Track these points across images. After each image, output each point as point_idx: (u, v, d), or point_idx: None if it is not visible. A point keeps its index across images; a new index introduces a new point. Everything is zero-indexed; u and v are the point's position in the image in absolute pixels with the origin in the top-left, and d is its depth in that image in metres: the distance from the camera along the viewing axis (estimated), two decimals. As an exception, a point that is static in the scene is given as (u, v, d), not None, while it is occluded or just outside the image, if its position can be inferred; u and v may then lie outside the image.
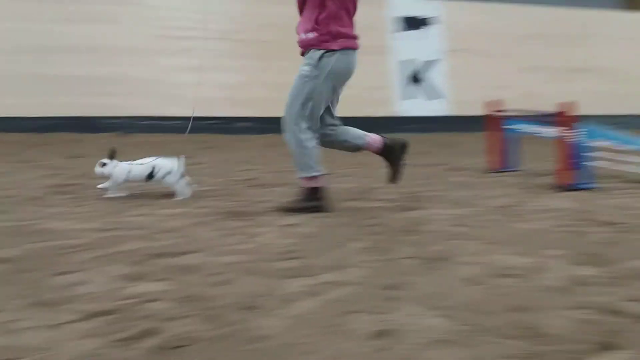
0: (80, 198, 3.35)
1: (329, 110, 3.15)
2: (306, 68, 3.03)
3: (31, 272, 2.02)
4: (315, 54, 3.01)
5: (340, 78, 3.07)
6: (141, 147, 6.10)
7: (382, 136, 3.28)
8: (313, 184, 3.06)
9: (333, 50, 3.00)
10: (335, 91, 3.11)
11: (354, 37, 3.10)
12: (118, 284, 1.90)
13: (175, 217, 2.89)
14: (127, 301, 1.74)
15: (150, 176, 3.36)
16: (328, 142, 3.21)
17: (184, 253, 2.26)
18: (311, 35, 3.03)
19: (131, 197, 3.41)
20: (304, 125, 3.02)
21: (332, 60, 2.99)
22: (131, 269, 2.05)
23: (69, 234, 2.53)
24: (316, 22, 3.02)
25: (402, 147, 3.28)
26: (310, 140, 3.05)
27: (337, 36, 3.01)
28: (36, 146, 5.91)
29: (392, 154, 3.26)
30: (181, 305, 1.72)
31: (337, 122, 3.21)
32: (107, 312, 1.65)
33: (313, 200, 3.07)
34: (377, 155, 3.28)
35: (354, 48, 3.09)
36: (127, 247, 2.33)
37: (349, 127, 3.24)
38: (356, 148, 3.26)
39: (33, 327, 1.56)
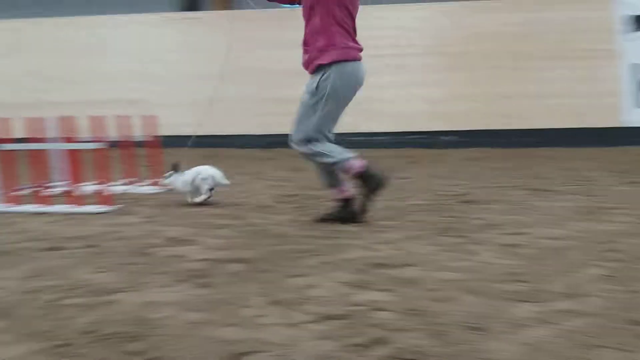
0: (303, 207, 3.63)
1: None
2: (306, 96, 3.01)
3: (268, 273, 2.24)
4: (313, 80, 2.99)
5: (342, 95, 2.99)
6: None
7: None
8: (356, 169, 2.99)
9: (326, 68, 2.93)
10: (342, 107, 3.05)
11: (347, 47, 2.96)
12: (345, 290, 2.00)
13: (389, 230, 2.95)
14: (356, 308, 1.81)
15: (194, 181, 3.71)
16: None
17: (403, 265, 2.28)
18: (305, 57, 3.03)
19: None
20: (316, 145, 3.01)
21: (329, 82, 2.92)
22: (355, 276, 2.15)
23: (297, 240, 2.76)
24: (305, 42, 3.03)
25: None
26: (320, 146, 3.00)
27: (323, 49, 2.93)
28: (262, 160, 6.60)
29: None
30: (406, 317, 1.74)
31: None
32: (338, 316, 1.74)
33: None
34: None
35: (347, 59, 2.95)
36: (349, 255, 2.45)
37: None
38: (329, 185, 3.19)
39: (273, 324, 1.72)
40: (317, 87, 2.97)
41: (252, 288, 2.04)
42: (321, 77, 2.96)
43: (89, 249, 2.69)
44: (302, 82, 8.39)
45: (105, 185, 3.75)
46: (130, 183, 4.45)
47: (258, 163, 6.34)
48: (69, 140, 3.80)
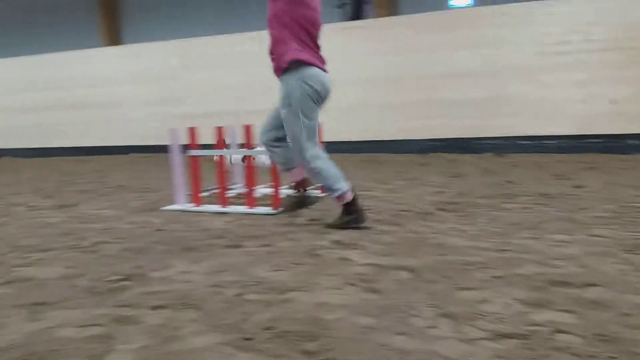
0: (466, 216, 3.50)
1: (280, 129, 3.39)
2: (284, 111, 3.25)
3: (435, 283, 2.19)
4: (282, 91, 3.24)
5: (312, 97, 3.20)
6: (518, 167, 6.03)
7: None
8: (343, 201, 3.27)
9: (289, 76, 3.20)
10: (318, 107, 3.28)
11: (304, 53, 3.18)
12: (520, 307, 1.87)
13: (568, 244, 2.71)
14: (535, 328, 1.69)
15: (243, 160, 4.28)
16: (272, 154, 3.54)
17: (587, 285, 2.08)
18: (273, 64, 3.30)
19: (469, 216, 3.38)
20: (310, 153, 3.25)
21: (296, 88, 3.18)
22: (532, 294, 2.00)
23: (463, 251, 2.66)
24: (270, 51, 3.29)
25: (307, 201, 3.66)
26: (323, 164, 3.26)
27: (282, 54, 3.20)
28: (420, 166, 6.52)
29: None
30: (595, 343, 1.57)
31: (283, 142, 3.45)
32: (516, 336, 1.64)
33: (350, 214, 3.28)
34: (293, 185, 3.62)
35: (307, 63, 3.18)
36: (524, 270, 2.29)
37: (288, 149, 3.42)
38: (286, 170, 3.56)
39: (446, 337, 1.67)
40: (288, 98, 3.22)
41: (421, 297, 2.01)
42: (287, 88, 3.22)
43: (264, 248, 2.88)
44: (462, 85, 8.10)
45: (276, 189, 3.99)
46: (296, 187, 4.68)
47: (415, 168, 6.28)
48: (245, 147, 4.12)
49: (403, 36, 8.15)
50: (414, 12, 8.64)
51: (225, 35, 9.44)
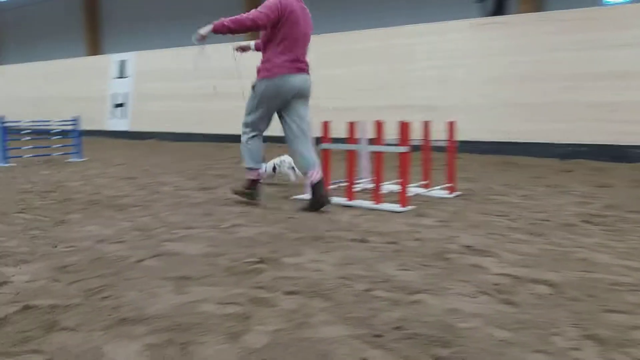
0: (614, 231, 3.19)
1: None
2: (250, 96, 4.03)
3: (579, 302, 2.02)
4: (254, 83, 3.99)
5: (271, 99, 3.94)
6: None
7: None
8: (250, 176, 4.05)
9: (261, 79, 3.94)
10: (271, 108, 4.00)
11: (278, 65, 3.86)
12: (683, 341, 1.67)
13: None
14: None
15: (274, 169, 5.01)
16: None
17: None
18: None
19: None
20: (247, 129, 4.05)
21: (262, 87, 3.93)
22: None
23: (611, 269, 2.43)
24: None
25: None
26: (251, 141, 4.05)
27: (260, 67, 3.96)
28: (562, 172, 6.06)
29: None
30: None
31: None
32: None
33: (250, 189, 4.09)
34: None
35: (281, 73, 3.87)
36: (686, 299, 2.04)
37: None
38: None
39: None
40: (254, 88, 3.99)
41: (562, 315, 1.87)
42: (257, 86, 3.96)
43: (390, 245, 2.86)
44: (614, 87, 7.50)
45: (404, 186, 3.95)
46: (424, 186, 4.60)
47: (557, 175, 5.84)
48: (376, 142, 4.13)
49: (548, 33, 7.64)
50: (562, 8, 8.03)
51: (353, 31, 9.53)
